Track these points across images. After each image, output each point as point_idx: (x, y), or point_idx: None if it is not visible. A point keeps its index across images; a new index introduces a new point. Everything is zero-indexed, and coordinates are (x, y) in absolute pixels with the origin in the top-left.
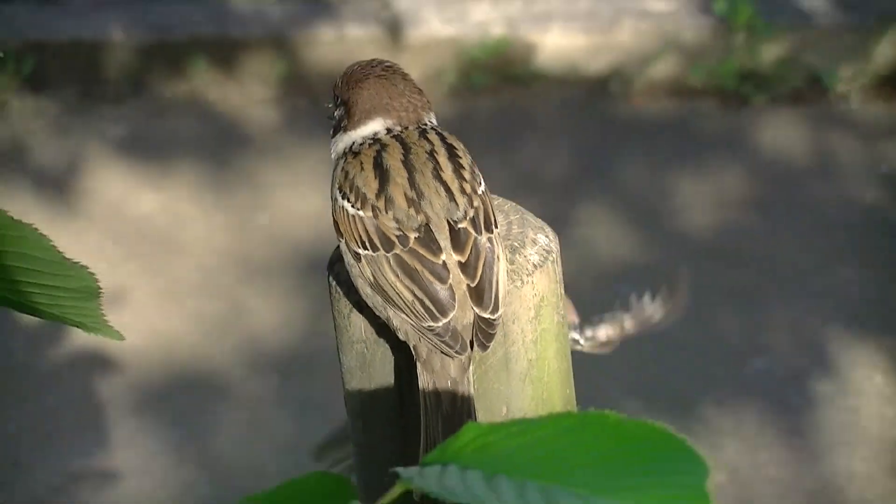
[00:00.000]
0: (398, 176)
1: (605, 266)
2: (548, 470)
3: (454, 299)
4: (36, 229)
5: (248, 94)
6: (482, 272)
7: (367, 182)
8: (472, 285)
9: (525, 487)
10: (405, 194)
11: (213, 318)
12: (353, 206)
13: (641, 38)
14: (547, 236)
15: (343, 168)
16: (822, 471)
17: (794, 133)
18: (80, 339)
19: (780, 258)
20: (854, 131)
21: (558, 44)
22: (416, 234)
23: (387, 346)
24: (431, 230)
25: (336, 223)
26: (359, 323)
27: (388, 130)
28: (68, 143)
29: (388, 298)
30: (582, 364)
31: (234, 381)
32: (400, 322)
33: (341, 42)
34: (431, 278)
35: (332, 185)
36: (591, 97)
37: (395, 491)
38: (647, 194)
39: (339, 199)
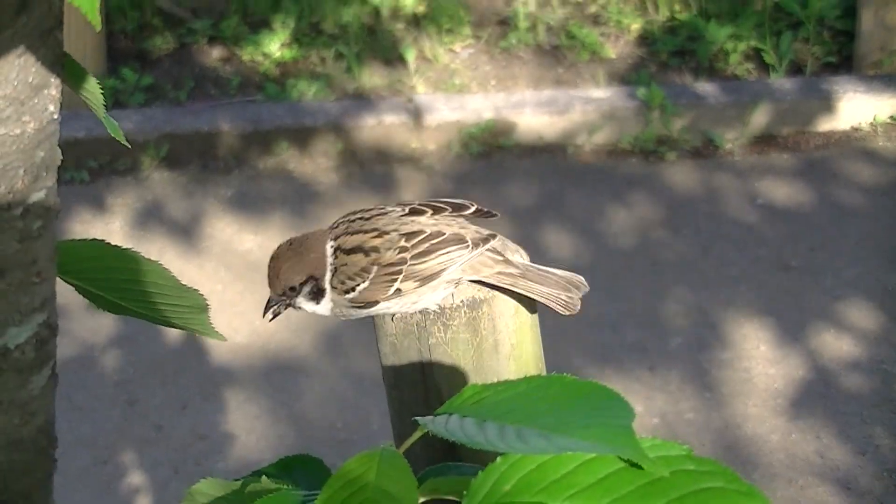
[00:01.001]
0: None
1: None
2: (521, 416)
3: None
4: (161, 265)
5: (317, 164)
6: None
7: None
8: None
9: (504, 429)
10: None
11: (296, 320)
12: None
13: (587, 116)
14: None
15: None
16: (725, 414)
17: (696, 178)
18: (202, 338)
19: (687, 263)
20: (737, 176)
21: (529, 122)
22: None
23: (410, 336)
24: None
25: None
26: (391, 322)
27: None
28: (193, 202)
29: None
30: (553, 340)
31: (311, 364)
32: None
33: (380, 126)
34: None
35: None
36: (553, 157)
37: (417, 434)
38: (593, 221)
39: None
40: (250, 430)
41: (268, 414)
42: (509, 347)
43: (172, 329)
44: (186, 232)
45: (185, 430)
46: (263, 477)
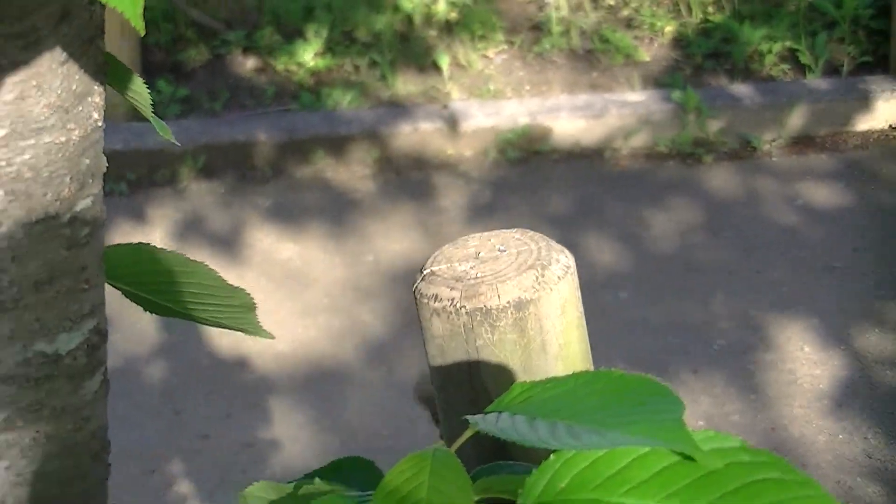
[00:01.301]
0: None
1: (603, 277)
2: (570, 413)
3: None
4: (207, 265)
5: (353, 172)
6: None
7: None
8: None
9: (555, 426)
10: None
11: (337, 329)
12: None
13: (623, 120)
14: (566, 256)
15: None
16: (771, 416)
17: (734, 180)
18: (245, 347)
19: (728, 266)
20: (776, 177)
21: (565, 127)
22: None
23: (457, 339)
24: None
25: None
26: (437, 324)
27: None
28: (231, 212)
29: None
30: (595, 346)
31: (354, 372)
32: None
33: (416, 133)
34: None
35: None
36: (590, 162)
37: (467, 433)
38: (631, 227)
39: None
40: (295, 439)
41: (312, 422)
42: (557, 347)
43: (215, 339)
44: (225, 242)
45: (231, 439)
46: (316, 479)
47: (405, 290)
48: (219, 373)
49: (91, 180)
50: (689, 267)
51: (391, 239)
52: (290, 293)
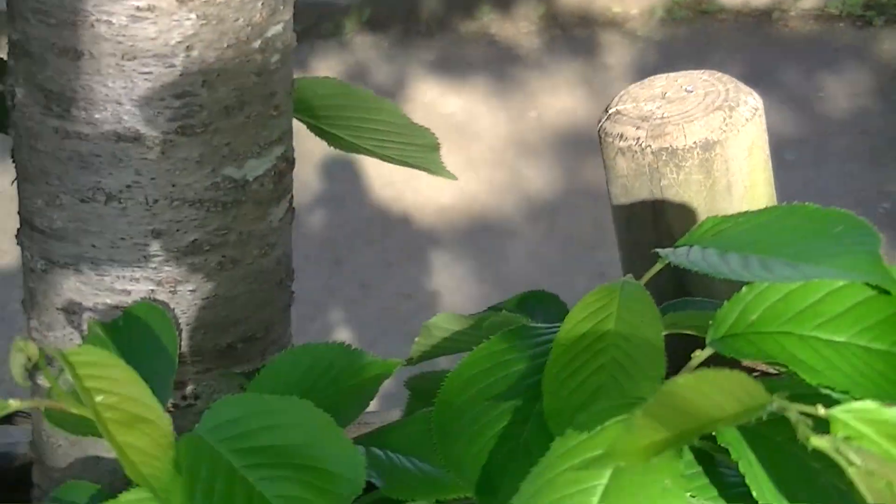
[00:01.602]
0: None
1: (773, 139)
2: (763, 246)
3: None
4: (393, 103)
5: (518, 28)
6: None
7: None
8: None
9: (748, 258)
10: None
11: (500, 183)
12: None
13: None
14: (754, 98)
15: None
16: None
17: None
18: (407, 199)
19: None
20: None
21: None
22: None
23: (642, 178)
24: None
25: None
26: (622, 163)
27: None
28: (395, 66)
29: None
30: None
31: (515, 226)
32: None
33: None
34: None
35: None
36: (759, 24)
37: (657, 267)
38: (800, 89)
39: None
40: (455, 290)
41: (472, 274)
42: (742, 189)
43: (377, 190)
44: (390, 94)
45: (391, 289)
46: (503, 311)
47: (568, 145)
48: (380, 224)
49: (282, 7)
50: (857, 129)
51: (555, 96)
52: (453, 147)
